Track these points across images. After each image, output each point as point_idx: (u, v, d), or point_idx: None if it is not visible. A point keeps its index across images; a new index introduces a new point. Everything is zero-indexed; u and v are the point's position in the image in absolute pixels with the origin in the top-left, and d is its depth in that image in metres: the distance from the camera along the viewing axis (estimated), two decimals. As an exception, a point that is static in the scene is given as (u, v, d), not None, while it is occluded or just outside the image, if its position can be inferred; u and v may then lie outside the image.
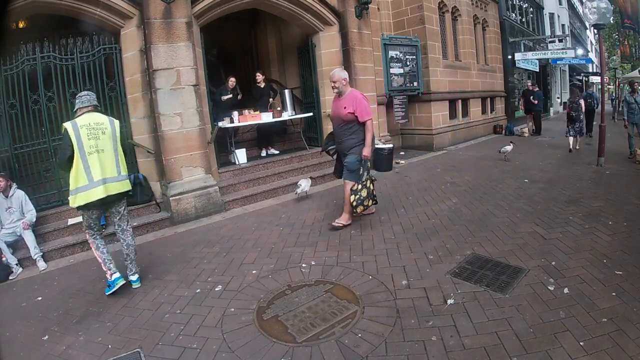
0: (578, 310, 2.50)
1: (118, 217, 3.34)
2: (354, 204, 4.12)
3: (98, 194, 3.02)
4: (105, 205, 3.21)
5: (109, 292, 3.20)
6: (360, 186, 4.17)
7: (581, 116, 8.57)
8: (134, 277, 3.37)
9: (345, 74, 4.34)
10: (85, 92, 3.26)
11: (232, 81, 7.03)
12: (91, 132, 3.03)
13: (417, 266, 3.33)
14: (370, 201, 4.32)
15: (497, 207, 4.79)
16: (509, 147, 7.72)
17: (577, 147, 8.70)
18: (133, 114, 5.52)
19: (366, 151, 4.18)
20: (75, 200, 3.04)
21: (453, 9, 10.68)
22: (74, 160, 2.99)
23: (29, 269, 4.14)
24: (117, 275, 3.20)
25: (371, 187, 4.31)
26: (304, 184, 5.79)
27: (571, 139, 8.58)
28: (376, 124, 7.91)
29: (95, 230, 3.28)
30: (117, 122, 3.27)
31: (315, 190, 6.36)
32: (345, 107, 4.19)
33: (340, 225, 4.32)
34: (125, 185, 3.27)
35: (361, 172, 4.27)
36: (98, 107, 3.27)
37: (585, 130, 9.64)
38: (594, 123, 10.30)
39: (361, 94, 4.33)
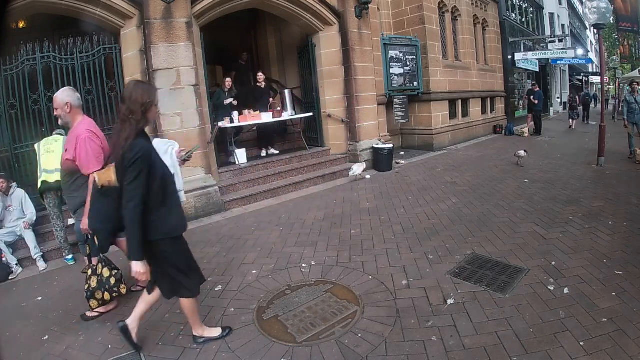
0: (578, 310, 2.50)
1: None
2: (85, 295, 2.77)
3: (42, 178, 3.97)
4: (52, 190, 4.01)
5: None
6: (90, 271, 2.79)
7: (577, 106, 14.38)
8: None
9: (71, 97, 2.79)
10: (57, 130, 4.38)
11: (228, 82, 7.03)
12: (47, 141, 4.11)
13: (417, 266, 3.33)
14: (108, 295, 2.76)
15: (497, 207, 4.79)
16: (522, 152, 7.22)
17: (573, 127, 13.62)
18: (133, 114, 5.51)
19: (83, 223, 2.70)
20: (37, 185, 4.06)
21: (453, 9, 10.68)
22: (37, 160, 4.06)
23: (29, 269, 4.14)
24: (69, 256, 4.24)
25: (106, 274, 2.76)
26: (356, 168, 6.49)
27: (571, 120, 14.02)
28: (376, 124, 7.93)
29: (54, 216, 4.12)
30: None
31: (316, 190, 6.36)
32: (66, 150, 2.81)
33: (96, 314, 2.94)
34: None
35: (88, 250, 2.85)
36: (62, 133, 4.20)
37: (584, 119, 16.07)
38: (594, 123, 13.64)
39: (90, 129, 2.77)
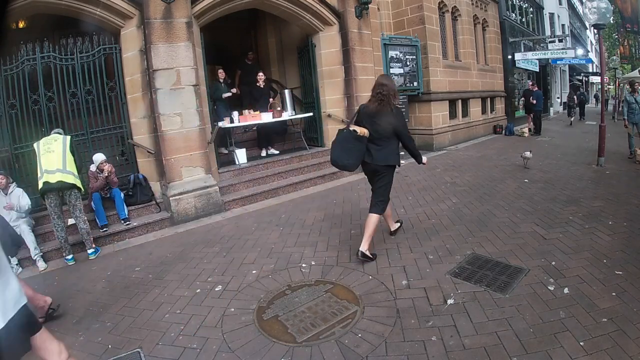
0: (578, 310, 2.50)
1: (72, 207, 4.22)
2: None
3: (44, 179, 3.96)
4: (53, 191, 4.02)
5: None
6: None
7: (574, 105, 16.64)
8: (90, 251, 4.35)
9: None
10: (55, 129, 4.52)
11: (221, 73, 6.92)
12: (46, 141, 4.16)
13: (417, 266, 3.33)
14: None
15: (497, 207, 4.79)
16: (528, 154, 6.97)
17: (571, 123, 15.33)
18: (133, 114, 5.52)
19: None
20: (37, 186, 4.04)
21: (453, 9, 10.68)
22: (37, 160, 4.07)
23: (29, 269, 4.14)
24: (69, 257, 4.24)
25: None
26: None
27: (571, 117, 15.98)
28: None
29: (55, 216, 4.10)
30: (68, 137, 4.27)
31: (316, 190, 6.36)
32: None
33: None
34: (69, 178, 4.05)
35: None
36: (61, 132, 4.44)
37: (580, 116, 17.43)
38: (593, 123, 14.09)
39: None
